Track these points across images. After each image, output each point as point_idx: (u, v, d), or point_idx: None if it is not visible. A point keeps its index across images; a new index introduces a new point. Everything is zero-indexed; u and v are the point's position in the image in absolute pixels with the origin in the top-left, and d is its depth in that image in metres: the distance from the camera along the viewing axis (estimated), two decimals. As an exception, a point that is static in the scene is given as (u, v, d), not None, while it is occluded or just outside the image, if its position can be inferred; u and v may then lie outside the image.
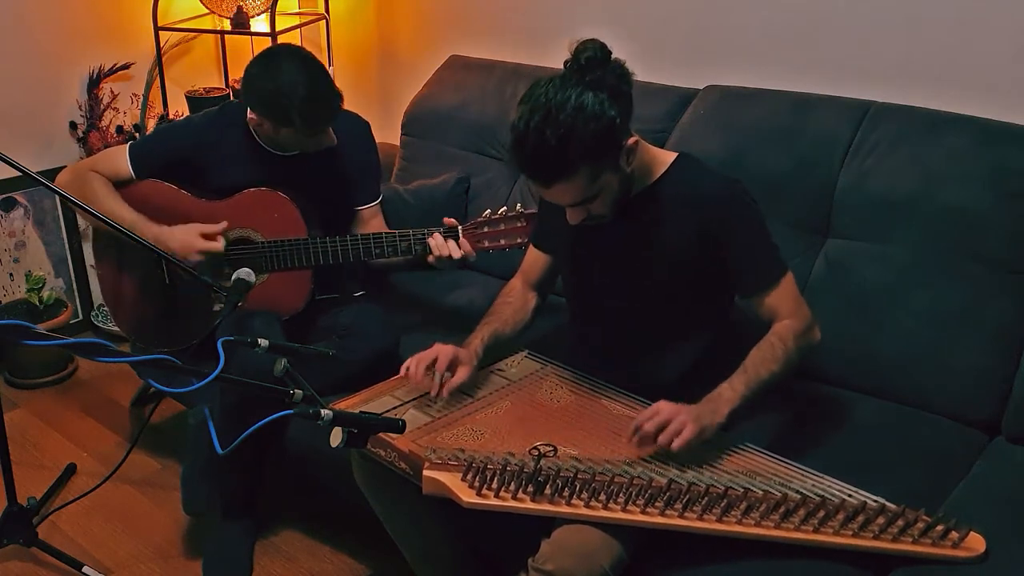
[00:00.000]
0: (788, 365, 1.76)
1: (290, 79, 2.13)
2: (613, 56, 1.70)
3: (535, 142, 1.63)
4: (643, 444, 1.67)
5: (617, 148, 1.70)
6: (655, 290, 1.87)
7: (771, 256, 1.83)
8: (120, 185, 2.32)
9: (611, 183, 1.73)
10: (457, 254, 2.13)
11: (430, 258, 2.17)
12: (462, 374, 1.86)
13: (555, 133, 1.61)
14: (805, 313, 1.82)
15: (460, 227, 2.16)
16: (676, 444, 1.62)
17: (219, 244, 2.23)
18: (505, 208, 2.15)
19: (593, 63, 1.66)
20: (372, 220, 2.47)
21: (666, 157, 1.87)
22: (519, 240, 2.14)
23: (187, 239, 2.21)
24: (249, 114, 2.24)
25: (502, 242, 2.15)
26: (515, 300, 2.06)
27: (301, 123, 2.16)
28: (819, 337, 1.84)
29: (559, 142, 1.62)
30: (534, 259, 2.09)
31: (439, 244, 2.14)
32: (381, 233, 2.22)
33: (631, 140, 1.72)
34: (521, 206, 2.13)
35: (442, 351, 1.86)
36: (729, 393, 1.70)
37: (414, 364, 1.85)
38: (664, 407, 1.66)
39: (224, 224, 2.24)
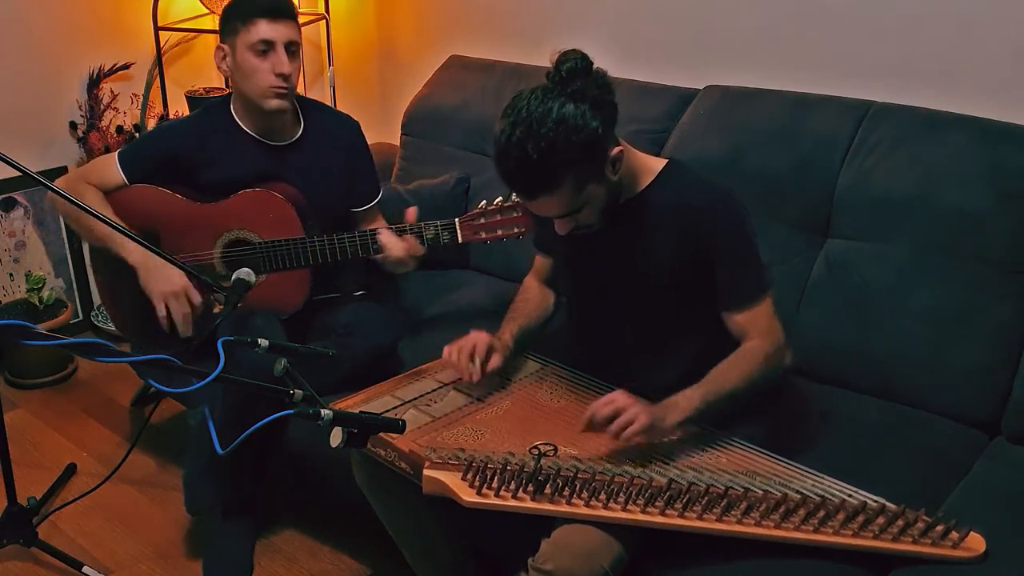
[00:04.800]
0: (750, 384, 1.75)
1: None
2: (595, 66, 1.68)
3: (518, 156, 1.63)
4: (594, 429, 1.70)
5: (601, 158, 1.69)
6: (647, 296, 1.87)
7: (753, 274, 1.81)
8: (113, 192, 2.32)
9: (597, 193, 1.72)
10: (412, 248, 2.19)
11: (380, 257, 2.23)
12: (496, 360, 1.89)
13: (537, 147, 1.61)
14: (778, 337, 1.80)
15: (457, 219, 2.16)
16: (624, 435, 1.65)
17: (197, 297, 2.22)
18: (500, 199, 2.14)
19: (574, 74, 1.64)
20: (370, 222, 2.48)
21: (655, 164, 1.85)
22: (516, 231, 2.13)
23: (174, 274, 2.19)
24: (218, 45, 2.29)
25: (499, 233, 2.15)
26: (535, 296, 2.08)
27: (250, 5, 2.22)
28: (790, 362, 1.82)
29: (541, 155, 1.61)
30: (541, 261, 2.11)
31: (387, 241, 2.20)
32: (375, 229, 2.23)
33: (616, 149, 1.71)
34: (517, 196, 2.13)
35: (479, 338, 1.89)
36: (685, 402, 1.71)
37: (455, 352, 1.89)
38: (619, 397, 1.69)
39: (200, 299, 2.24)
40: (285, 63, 2.25)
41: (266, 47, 2.23)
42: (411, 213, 2.23)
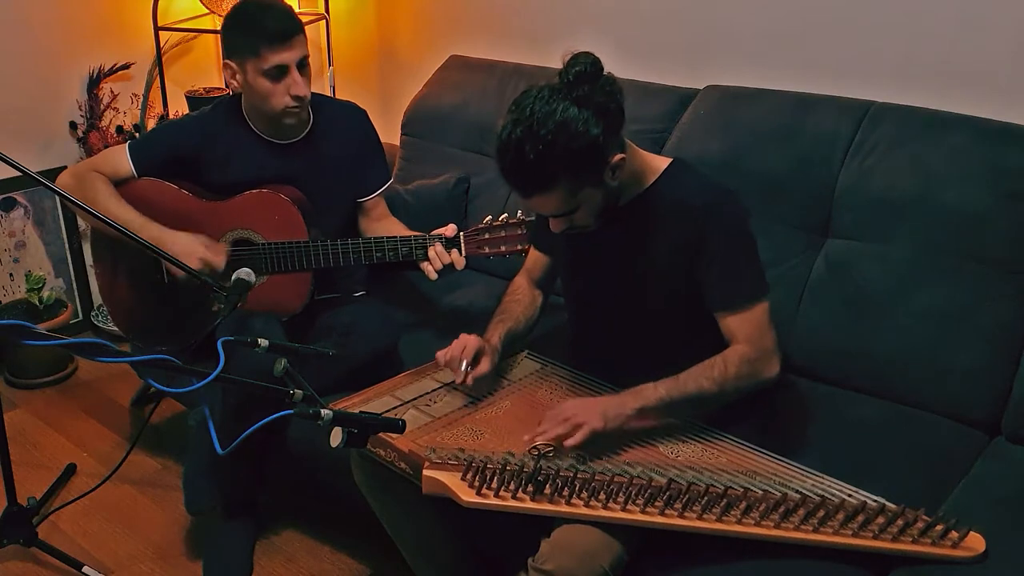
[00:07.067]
0: (723, 388, 1.73)
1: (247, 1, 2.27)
2: (606, 71, 1.67)
3: (515, 154, 1.64)
4: (544, 435, 1.72)
5: (600, 164, 1.68)
6: (647, 297, 1.86)
7: (746, 276, 1.79)
8: (121, 184, 2.32)
9: (593, 197, 1.72)
10: (460, 264, 2.15)
11: (424, 265, 2.18)
12: (485, 365, 1.88)
13: (534, 147, 1.61)
14: (766, 345, 1.77)
15: (461, 233, 2.17)
16: (568, 442, 1.67)
17: (221, 262, 2.21)
18: (506, 215, 2.15)
19: (581, 78, 1.64)
20: (376, 209, 2.48)
21: (659, 163, 1.85)
22: (519, 247, 2.14)
23: (190, 248, 2.18)
24: (225, 62, 2.25)
25: (502, 248, 2.16)
26: (523, 298, 2.07)
27: (258, 32, 2.17)
28: (774, 373, 1.77)
29: (538, 156, 1.62)
30: (536, 258, 2.10)
31: (440, 254, 2.15)
32: (382, 237, 2.23)
33: (618, 157, 1.70)
34: (522, 213, 2.14)
35: (468, 342, 1.88)
36: (651, 392, 1.72)
37: (445, 357, 1.88)
38: (569, 408, 1.72)
39: (225, 248, 2.25)
40: (300, 84, 2.22)
41: (280, 72, 2.20)
42: (451, 229, 2.20)
